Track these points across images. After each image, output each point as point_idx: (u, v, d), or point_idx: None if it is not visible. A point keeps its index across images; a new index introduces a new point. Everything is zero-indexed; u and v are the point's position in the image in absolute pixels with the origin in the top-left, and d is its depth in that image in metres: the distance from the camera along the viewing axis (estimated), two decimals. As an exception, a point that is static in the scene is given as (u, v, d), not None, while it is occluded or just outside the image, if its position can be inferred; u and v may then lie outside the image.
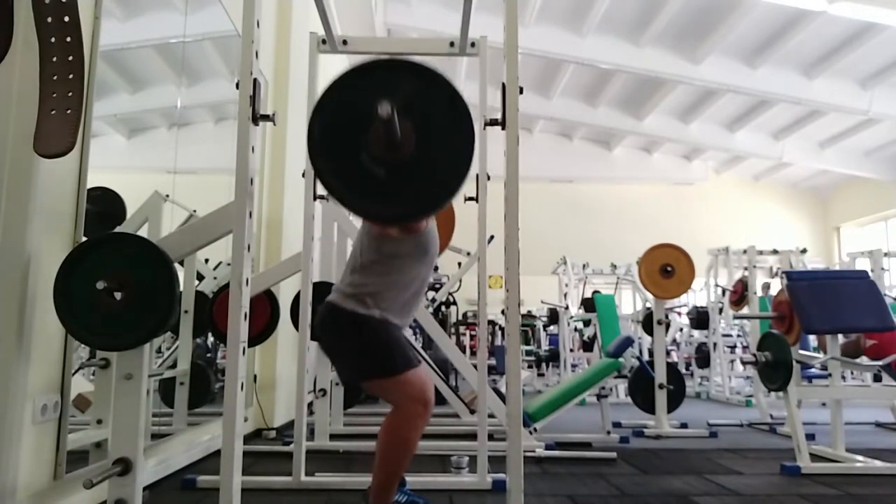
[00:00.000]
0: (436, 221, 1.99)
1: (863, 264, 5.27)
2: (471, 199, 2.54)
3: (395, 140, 1.35)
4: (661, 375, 3.85)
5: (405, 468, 1.83)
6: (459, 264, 5.26)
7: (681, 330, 7.45)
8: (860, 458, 2.92)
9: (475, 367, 2.64)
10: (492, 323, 8.75)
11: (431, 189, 1.41)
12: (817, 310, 2.94)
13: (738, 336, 7.07)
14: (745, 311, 5.29)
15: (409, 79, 1.41)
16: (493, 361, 6.50)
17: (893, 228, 12.18)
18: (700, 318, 6.43)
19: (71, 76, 1.48)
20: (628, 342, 3.56)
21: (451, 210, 3.20)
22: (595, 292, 6.54)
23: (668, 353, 4.99)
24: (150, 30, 2.68)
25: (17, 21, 1.42)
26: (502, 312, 2.64)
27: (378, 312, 1.78)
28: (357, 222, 2.25)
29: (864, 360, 3.98)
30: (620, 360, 3.42)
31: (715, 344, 6.17)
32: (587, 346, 7.03)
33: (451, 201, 1.47)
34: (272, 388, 3.87)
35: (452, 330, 8.41)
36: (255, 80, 1.48)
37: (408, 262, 1.84)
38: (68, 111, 1.46)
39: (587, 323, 6.82)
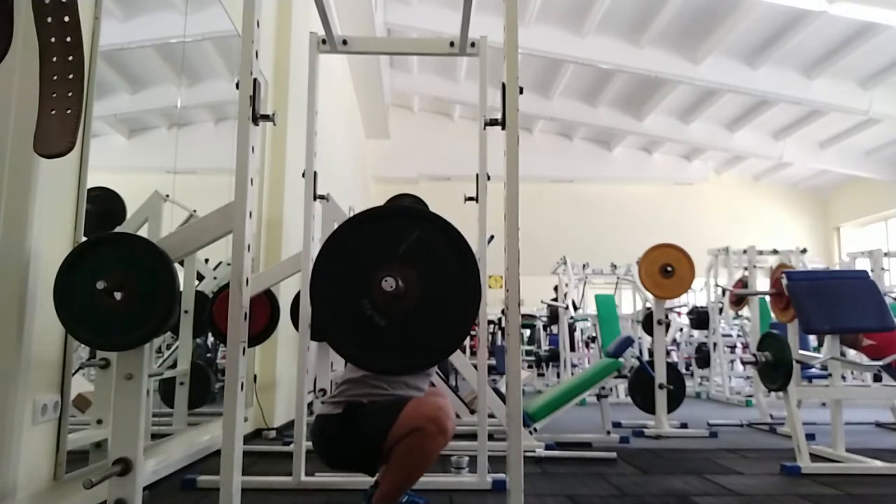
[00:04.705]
0: None
1: (863, 264, 5.28)
2: (471, 199, 2.54)
3: (399, 294, 1.36)
4: (661, 375, 3.85)
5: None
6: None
7: (681, 330, 7.45)
8: (860, 458, 2.92)
9: (475, 367, 2.64)
10: (492, 323, 8.74)
11: (433, 343, 1.40)
12: (817, 310, 2.94)
13: (738, 336, 7.07)
14: (744, 309, 5.29)
15: (416, 228, 1.41)
16: (493, 361, 6.50)
17: (893, 228, 12.18)
18: (700, 318, 6.43)
19: (71, 76, 1.47)
20: (628, 342, 3.56)
21: None
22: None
23: (668, 353, 4.99)
24: (150, 30, 2.68)
25: (17, 21, 1.41)
26: (502, 312, 2.64)
27: (366, 400, 1.77)
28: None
29: (864, 359, 3.97)
30: (620, 360, 3.42)
31: (715, 344, 6.17)
32: (586, 346, 7.03)
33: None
34: (272, 388, 3.87)
35: (452, 330, 8.39)
36: (255, 80, 1.48)
37: (403, 377, 1.82)
38: (68, 111, 1.45)
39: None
